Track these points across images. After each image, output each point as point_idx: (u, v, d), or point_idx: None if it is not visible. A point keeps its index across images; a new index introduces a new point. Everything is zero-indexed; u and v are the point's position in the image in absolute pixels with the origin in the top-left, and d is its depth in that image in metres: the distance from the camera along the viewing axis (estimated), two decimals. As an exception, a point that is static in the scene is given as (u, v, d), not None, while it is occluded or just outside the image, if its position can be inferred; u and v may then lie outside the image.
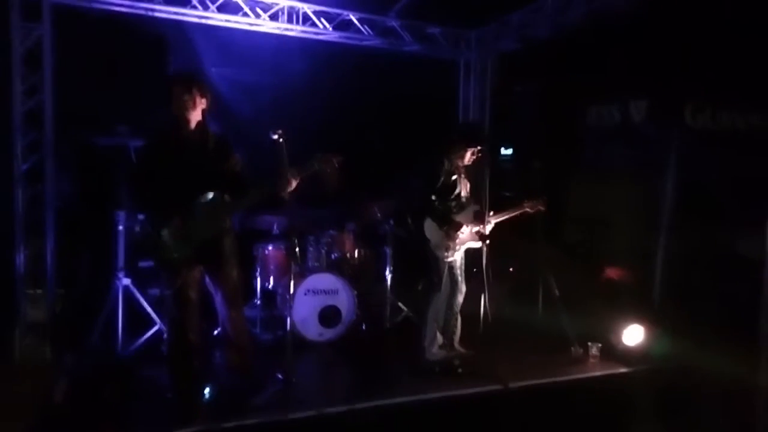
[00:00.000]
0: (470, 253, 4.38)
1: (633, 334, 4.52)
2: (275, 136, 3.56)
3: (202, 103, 3.36)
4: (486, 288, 4.13)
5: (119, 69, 4.19)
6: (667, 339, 4.50)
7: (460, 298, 4.37)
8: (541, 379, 4.03)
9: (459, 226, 4.14)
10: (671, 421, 3.83)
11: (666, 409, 3.91)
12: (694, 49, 4.69)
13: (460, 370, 4.09)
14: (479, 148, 4.23)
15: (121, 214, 4.18)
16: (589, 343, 4.49)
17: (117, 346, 4.16)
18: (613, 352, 4.49)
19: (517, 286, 5.57)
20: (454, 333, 4.38)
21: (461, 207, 4.25)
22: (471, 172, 4.43)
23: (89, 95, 4.15)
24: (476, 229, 4.24)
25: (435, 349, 4.25)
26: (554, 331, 4.73)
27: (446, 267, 4.20)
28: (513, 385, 3.86)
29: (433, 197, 4.15)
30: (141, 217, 4.21)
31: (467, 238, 4.24)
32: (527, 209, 4.37)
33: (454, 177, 4.22)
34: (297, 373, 3.74)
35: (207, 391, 3.46)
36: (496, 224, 4.33)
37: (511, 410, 3.76)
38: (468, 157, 4.25)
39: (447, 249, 4.15)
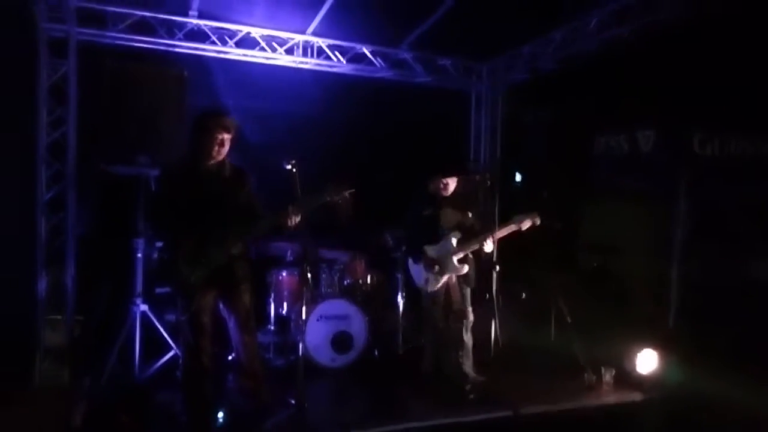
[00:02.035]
0: (482, 279, 4.42)
1: (647, 361, 4.49)
2: (288, 166, 3.68)
3: (230, 143, 3.51)
4: (496, 313, 4.15)
5: (140, 102, 4.36)
6: (682, 365, 4.46)
7: (462, 325, 4.31)
8: (553, 406, 4.02)
9: (430, 260, 4.24)
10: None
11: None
12: (700, 78, 4.77)
13: (471, 396, 4.10)
14: (453, 177, 4.31)
15: (140, 242, 4.30)
16: (603, 369, 4.47)
17: (134, 371, 4.23)
18: (627, 379, 4.46)
19: (530, 312, 5.57)
20: (459, 358, 4.35)
21: (439, 237, 4.31)
22: (477, 201, 4.51)
23: (111, 127, 4.32)
24: (459, 256, 4.25)
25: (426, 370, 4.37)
26: (567, 356, 4.73)
27: (430, 298, 4.30)
28: (524, 411, 3.85)
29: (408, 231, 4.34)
30: (158, 244, 4.34)
31: (448, 267, 4.25)
32: (517, 224, 4.25)
33: (429, 210, 4.35)
34: (309, 398, 3.77)
35: (220, 415, 3.51)
36: (507, 250, 4.37)
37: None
38: (448, 188, 4.34)
39: (427, 281, 4.29)
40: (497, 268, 4.19)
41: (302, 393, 3.71)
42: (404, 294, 5.20)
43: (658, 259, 5.88)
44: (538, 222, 4.27)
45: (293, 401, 3.71)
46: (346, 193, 3.67)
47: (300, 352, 3.80)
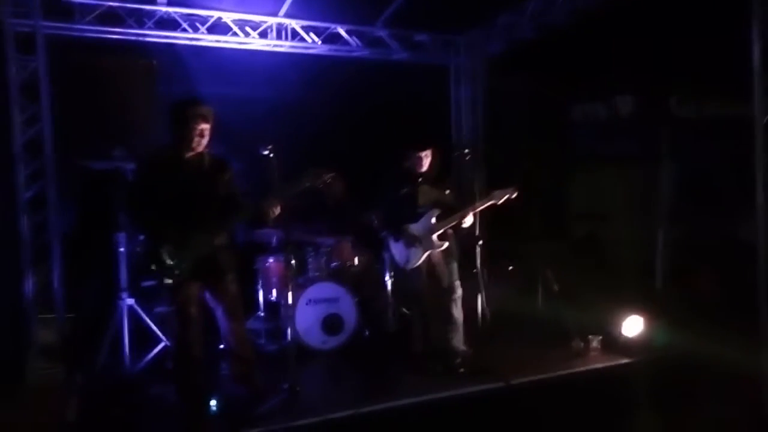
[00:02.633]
0: (469, 253, 4.43)
1: (633, 325, 4.56)
2: (265, 152, 3.66)
3: (210, 132, 3.47)
4: (482, 287, 4.19)
5: (110, 95, 4.31)
6: (668, 328, 4.54)
7: (451, 299, 4.33)
8: (543, 374, 4.07)
9: (410, 237, 4.27)
10: (674, 410, 3.87)
11: (669, 398, 3.95)
12: (675, 41, 4.77)
13: (461, 370, 4.15)
14: (426, 153, 4.30)
15: (122, 236, 4.28)
16: (590, 336, 4.54)
17: (125, 365, 4.24)
18: (615, 344, 4.53)
19: (517, 284, 5.63)
20: (448, 333, 4.38)
21: (418, 215, 4.32)
22: (454, 177, 4.49)
23: (84, 121, 4.27)
24: (438, 233, 4.26)
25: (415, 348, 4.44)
26: (555, 326, 4.79)
27: (413, 275, 4.32)
28: (515, 381, 3.91)
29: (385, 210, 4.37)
30: (141, 238, 4.33)
31: (429, 244, 4.26)
32: (494, 200, 4.21)
33: (406, 188, 4.34)
34: (302, 381, 3.80)
35: (213, 403, 3.54)
36: (493, 222, 4.37)
37: (514, 407, 3.80)
38: (423, 163, 4.32)
39: (408, 259, 4.32)
40: (480, 242, 4.20)
41: (294, 377, 3.74)
42: (392, 273, 5.22)
43: (644, 222, 5.96)
44: (515, 195, 4.25)
45: (286, 386, 3.74)
46: (327, 178, 3.65)
47: (289, 337, 3.83)
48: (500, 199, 4.22)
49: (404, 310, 5.25)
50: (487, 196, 4.25)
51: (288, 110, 5.80)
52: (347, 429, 3.45)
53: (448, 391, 3.81)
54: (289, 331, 3.84)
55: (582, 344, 4.52)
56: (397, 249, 4.48)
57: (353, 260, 5.28)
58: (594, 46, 5.36)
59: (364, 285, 5.25)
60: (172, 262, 3.34)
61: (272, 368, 4.11)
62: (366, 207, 5.41)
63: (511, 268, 5.77)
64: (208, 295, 3.54)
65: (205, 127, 3.42)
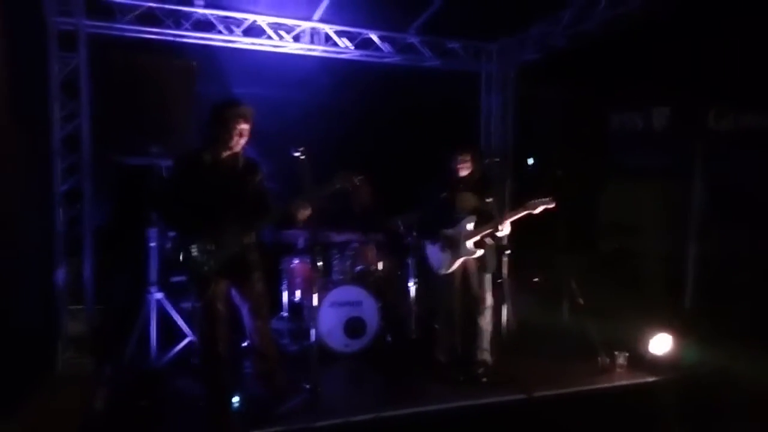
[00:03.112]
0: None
1: (661, 343, 4.47)
2: (297, 154, 3.69)
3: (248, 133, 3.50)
4: (508, 297, 4.15)
5: (150, 93, 4.41)
6: (697, 346, 4.43)
7: (479, 310, 4.32)
8: (566, 388, 4.02)
9: (446, 242, 4.25)
10: (702, 430, 3.79)
11: (697, 418, 3.86)
12: (714, 53, 4.67)
13: (484, 380, 4.12)
14: (467, 158, 4.29)
15: (153, 232, 4.37)
16: (616, 352, 4.46)
17: (151, 358, 4.32)
18: (641, 361, 4.44)
19: (543, 295, 5.57)
20: (474, 343, 4.37)
21: (455, 221, 4.30)
22: (493, 186, 4.47)
23: (122, 118, 4.37)
24: (474, 240, 4.24)
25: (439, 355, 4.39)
26: (580, 340, 4.72)
27: (445, 282, 4.31)
28: (537, 394, 3.87)
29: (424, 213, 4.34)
30: (172, 234, 4.41)
31: (463, 251, 4.25)
32: (530, 210, 4.16)
33: (445, 193, 4.33)
34: (323, 382, 3.82)
35: (236, 400, 3.58)
36: (520, 232, 4.32)
37: (536, 419, 3.76)
38: (464, 168, 4.32)
39: (441, 264, 4.31)
40: (508, 251, 4.16)
41: (316, 378, 3.76)
42: (416, 279, 5.22)
43: (675, 237, 5.81)
44: (552, 206, 4.21)
45: (308, 386, 3.77)
46: (356, 180, 3.67)
47: (313, 338, 3.85)
48: (536, 209, 4.18)
49: (428, 317, 5.24)
50: (522, 205, 4.22)
51: (319, 113, 5.85)
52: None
53: (470, 400, 3.80)
54: (313, 332, 3.85)
55: (608, 360, 4.44)
56: (432, 252, 4.47)
57: (377, 265, 5.29)
58: (630, 55, 5.28)
59: (387, 290, 5.25)
60: (201, 259, 3.40)
61: (294, 368, 4.13)
62: (393, 212, 5.44)
63: (536, 279, 5.71)
64: (234, 293, 3.59)
65: (245, 127, 3.46)
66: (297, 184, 3.67)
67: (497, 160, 4.48)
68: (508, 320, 4.22)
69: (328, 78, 5.89)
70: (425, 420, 3.62)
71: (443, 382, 4.14)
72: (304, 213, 3.52)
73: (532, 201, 4.19)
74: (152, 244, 4.34)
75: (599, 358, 4.46)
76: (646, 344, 4.49)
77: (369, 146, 5.83)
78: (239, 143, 3.49)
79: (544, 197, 4.18)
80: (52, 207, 4.72)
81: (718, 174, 5.27)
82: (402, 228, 5.34)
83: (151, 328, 4.32)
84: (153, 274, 4.36)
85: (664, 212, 6.05)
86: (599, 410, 3.92)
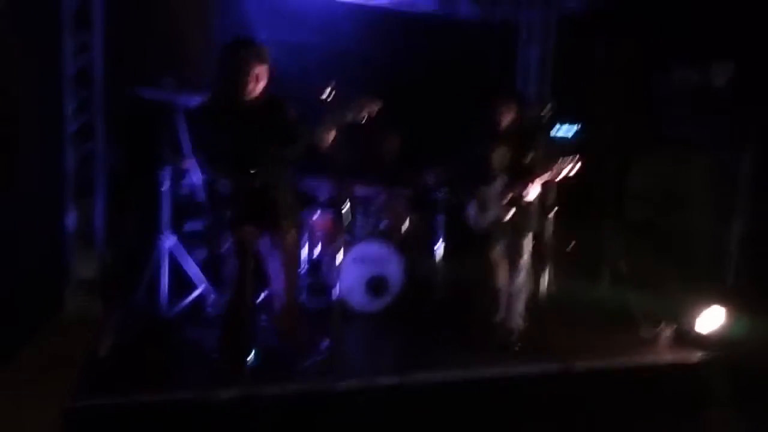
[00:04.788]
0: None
1: (710, 318, 4.11)
2: (325, 96, 3.32)
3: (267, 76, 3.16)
4: (550, 261, 3.81)
5: (164, 24, 4.05)
6: (745, 321, 4.07)
7: (514, 272, 4.01)
8: (607, 361, 3.71)
9: (480, 201, 3.99)
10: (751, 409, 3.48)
11: (746, 397, 3.55)
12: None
13: (517, 347, 3.83)
14: (510, 107, 3.94)
15: (166, 173, 4.06)
16: (662, 325, 4.12)
17: (161, 306, 4.07)
18: (688, 336, 4.10)
19: (581, 263, 5.20)
20: (507, 308, 4.07)
21: (490, 178, 3.98)
22: (531, 140, 4.08)
23: (135, 50, 4.02)
24: (506, 201, 3.91)
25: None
26: (621, 310, 4.39)
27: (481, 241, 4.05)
28: (575, 365, 3.56)
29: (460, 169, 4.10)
30: (189, 177, 4.13)
31: (497, 211, 3.95)
32: (555, 172, 3.78)
33: (481, 148, 4.02)
34: (344, 341, 3.56)
35: (253, 354, 3.33)
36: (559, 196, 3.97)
37: (572, 392, 3.47)
38: (503, 121, 3.95)
39: (476, 222, 4.07)
40: (552, 212, 3.78)
41: (338, 335, 3.50)
42: (445, 237, 4.91)
43: (719, 211, 5.38)
44: (578, 165, 3.80)
45: (328, 344, 3.50)
46: (375, 106, 3.25)
47: (336, 295, 3.58)
48: (563, 171, 3.78)
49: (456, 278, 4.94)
50: (548, 167, 3.82)
51: (346, 61, 5.42)
52: (391, 397, 3.18)
53: (502, 368, 3.50)
54: (337, 289, 3.56)
55: (652, 332, 4.11)
56: (471, 210, 4.20)
57: (404, 220, 4.97)
58: (686, 3, 4.75)
59: (413, 248, 4.93)
60: (233, 206, 3.13)
61: (313, 326, 3.87)
62: (422, 166, 5.09)
63: (573, 243, 5.32)
64: (264, 242, 3.30)
65: (262, 69, 3.10)
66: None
67: (545, 113, 4.00)
68: (548, 286, 3.87)
69: (356, 25, 5.46)
70: (452, 388, 3.33)
71: (473, 347, 3.85)
72: (328, 138, 3.13)
73: (558, 162, 3.79)
74: (165, 187, 4.04)
75: (643, 330, 4.14)
76: (694, 318, 4.14)
77: (397, 97, 5.41)
78: (256, 89, 3.13)
79: (570, 156, 3.79)
80: (61, 146, 4.44)
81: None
82: (432, 183, 5.00)
83: (163, 275, 4.06)
84: (166, 218, 4.07)
85: (711, 182, 5.61)
86: (641, 386, 3.63)
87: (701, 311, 4.14)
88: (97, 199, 4.52)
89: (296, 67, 5.20)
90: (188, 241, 4.35)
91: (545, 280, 3.87)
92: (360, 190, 4.92)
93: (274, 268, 3.32)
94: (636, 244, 4.95)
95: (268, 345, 3.46)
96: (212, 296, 4.20)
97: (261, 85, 3.14)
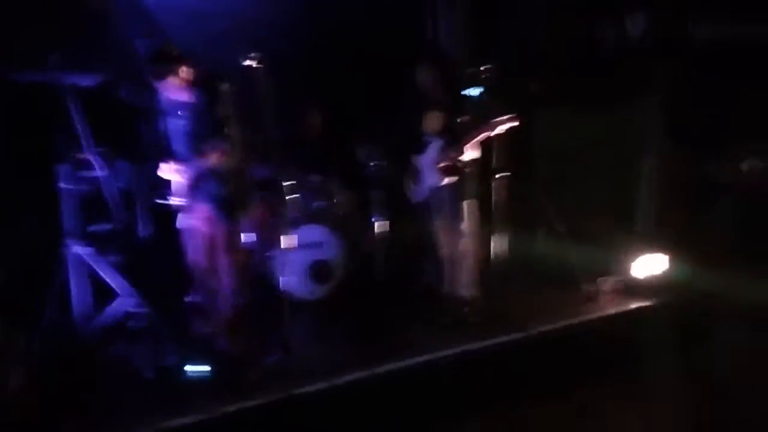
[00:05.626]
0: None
1: (647, 265, 4.23)
2: (251, 62, 2.99)
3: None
4: (495, 226, 3.71)
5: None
6: (683, 266, 4.22)
7: (457, 240, 3.89)
8: (564, 321, 3.68)
9: (414, 170, 3.90)
10: (697, 352, 3.62)
11: (691, 340, 3.69)
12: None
13: (471, 319, 3.71)
14: (436, 69, 3.78)
15: (63, 169, 3.47)
16: (603, 278, 4.19)
17: (76, 323, 3.53)
18: (627, 286, 4.19)
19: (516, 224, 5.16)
20: (455, 277, 3.95)
21: (424, 144, 3.85)
22: (460, 99, 3.90)
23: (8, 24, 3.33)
24: (442, 165, 3.78)
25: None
26: (561, 268, 4.41)
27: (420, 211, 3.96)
28: (534, 331, 3.51)
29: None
30: (87, 173, 3.56)
31: (434, 178, 3.82)
32: (490, 130, 3.66)
33: (411, 114, 3.89)
34: (293, 337, 3.26)
35: (205, 368, 2.98)
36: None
37: (535, 358, 3.42)
38: (425, 83, 3.79)
39: (413, 192, 3.99)
40: (498, 174, 3.65)
41: (287, 333, 3.20)
42: (382, 213, 4.67)
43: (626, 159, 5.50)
44: (516, 123, 3.70)
45: (277, 344, 3.19)
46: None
47: (282, 286, 3.28)
48: (498, 129, 3.66)
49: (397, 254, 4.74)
50: (482, 126, 3.68)
51: (248, 29, 4.90)
52: (357, 393, 2.95)
53: (463, 345, 3.36)
54: (281, 280, 3.24)
55: (594, 287, 4.16)
56: (408, 180, 4.04)
57: (338, 200, 4.67)
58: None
59: (350, 227, 4.66)
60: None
61: (257, 323, 3.53)
62: (348, 139, 4.79)
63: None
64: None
65: (185, 73, 3.12)
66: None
67: (478, 69, 3.81)
68: (496, 252, 3.77)
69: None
70: (416, 373, 3.15)
71: (428, 325, 3.70)
72: None
73: (493, 120, 3.66)
74: (65, 185, 3.44)
75: (584, 286, 4.18)
76: (630, 267, 4.24)
77: (315, 70, 5.03)
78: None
79: (505, 115, 3.67)
80: None
81: (692, 89, 4.93)
82: (365, 157, 4.71)
83: (75, 287, 3.51)
84: (69, 222, 3.49)
85: (620, 133, 5.74)
86: (595, 341, 3.66)
87: (638, 259, 4.24)
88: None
89: (200, 37, 4.65)
90: (98, 245, 3.79)
91: (494, 245, 3.74)
92: (289, 171, 4.55)
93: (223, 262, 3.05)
94: (558, 201, 4.96)
95: (215, 352, 3.09)
96: (135, 306, 3.70)
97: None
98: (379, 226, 4.66)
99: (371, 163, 4.63)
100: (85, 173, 3.63)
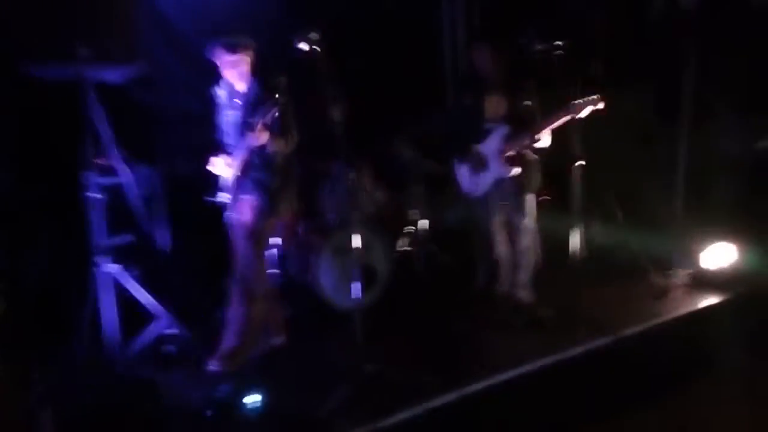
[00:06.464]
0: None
1: (716, 255, 3.95)
2: (303, 45, 2.70)
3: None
4: (578, 221, 3.37)
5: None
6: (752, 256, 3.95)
7: (519, 238, 3.58)
8: (647, 322, 3.37)
9: (476, 159, 3.54)
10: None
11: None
12: None
13: (548, 323, 3.39)
14: (487, 46, 3.47)
15: (90, 176, 2.99)
16: (672, 271, 3.92)
17: (113, 352, 3.06)
18: (699, 279, 3.91)
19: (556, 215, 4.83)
20: (516, 276, 3.62)
21: (484, 132, 3.50)
22: (525, 80, 3.54)
23: (29, 14, 2.82)
24: (509, 154, 3.44)
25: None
26: (625, 261, 4.12)
27: (478, 205, 3.65)
28: (625, 333, 3.19)
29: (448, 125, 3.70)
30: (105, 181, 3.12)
31: (497, 169, 3.48)
32: (573, 113, 3.23)
33: (470, 98, 3.58)
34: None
35: (257, 399, 2.59)
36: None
37: (623, 363, 3.11)
38: (490, 64, 3.45)
39: (474, 185, 3.62)
40: (578, 163, 3.29)
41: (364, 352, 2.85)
42: (421, 209, 4.34)
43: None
44: (601, 106, 3.35)
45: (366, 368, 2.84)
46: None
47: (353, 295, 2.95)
48: (580, 112, 3.28)
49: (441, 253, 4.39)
50: (564, 108, 3.28)
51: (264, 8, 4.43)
52: (455, 415, 2.59)
53: (558, 354, 3.00)
54: (353, 288, 2.95)
55: (665, 281, 3.87)
56: (462, 173, 3.65)
57: (375, 197, 4.30)
58: None
59: (390, 226, 4.29)
60: None
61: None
62: (386, 133, 4.42)
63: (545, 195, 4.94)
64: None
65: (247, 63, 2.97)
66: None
67: (540, 47, 3.43)
68: (573, 248, 3.40)
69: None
70: (517, 386, 2.81)
71: (500, 331, 3.38)
72: None
73: (577, 101, 3.23)
74: (93, 195, 2.96)
75: (654, 280, 3.89)
76: (701, 258, 3.97)
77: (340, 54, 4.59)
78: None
79: (588, 96, 3.29)
80: None
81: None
82: (402, 150, 4.36)
83: (107, 313, 3.03)
84: (98, 237, 3.02)
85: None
86: (680, 341, 3.39)
87: (707, 250, 3.97)
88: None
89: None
90: (123, 261, 3.33)
91: (575, 242, 3.37)
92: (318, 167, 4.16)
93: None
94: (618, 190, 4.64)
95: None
96: (169, 327, 3.27)
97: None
98: (420, 224, 4.37)
99: (411, 156, 4.32)
100: (107, 180, 3.19)
